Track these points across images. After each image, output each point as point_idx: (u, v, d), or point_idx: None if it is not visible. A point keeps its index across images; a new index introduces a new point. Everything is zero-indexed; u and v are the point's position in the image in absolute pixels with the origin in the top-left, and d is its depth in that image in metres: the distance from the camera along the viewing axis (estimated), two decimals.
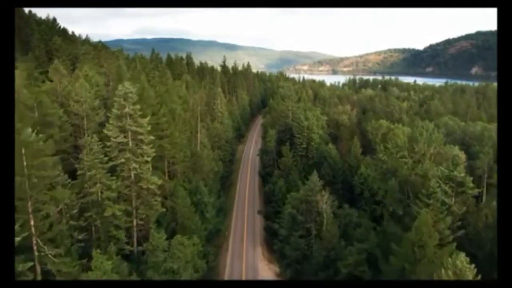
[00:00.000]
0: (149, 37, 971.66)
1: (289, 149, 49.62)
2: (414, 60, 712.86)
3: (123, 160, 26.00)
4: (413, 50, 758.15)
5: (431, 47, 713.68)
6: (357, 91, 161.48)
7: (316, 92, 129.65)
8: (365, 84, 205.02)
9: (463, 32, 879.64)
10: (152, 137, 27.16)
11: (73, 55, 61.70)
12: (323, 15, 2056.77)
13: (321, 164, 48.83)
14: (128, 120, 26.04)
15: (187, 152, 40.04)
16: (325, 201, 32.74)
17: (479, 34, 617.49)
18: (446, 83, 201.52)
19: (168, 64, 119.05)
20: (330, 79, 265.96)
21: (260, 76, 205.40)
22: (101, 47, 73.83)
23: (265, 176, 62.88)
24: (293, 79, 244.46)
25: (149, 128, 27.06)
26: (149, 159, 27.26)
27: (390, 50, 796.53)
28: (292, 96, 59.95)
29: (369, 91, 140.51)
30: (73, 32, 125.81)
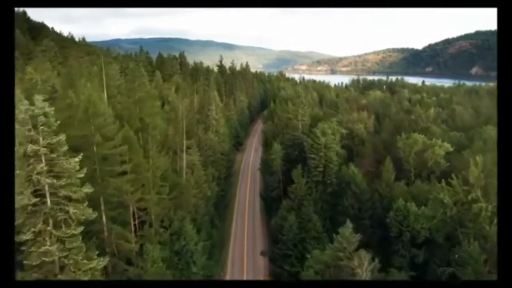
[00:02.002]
0: (147, 36, 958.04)
1: (301, 172, 38.60)
2: (413, 60, 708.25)
3: (31, 235, 14.96)
4: (412, 50, 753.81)
5: (430, 47, 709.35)
6: (362, 92, 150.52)
7: (321, 95, 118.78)
8: (369, 85, 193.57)
9: (462, 32, 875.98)
10: (88, 190, 16.18)
11: (35, 53, 50.55)
12: (322, 14, 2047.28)
13: (342, 192, 38.13)
14: (43, 163, 15.12)
15: (164, 187, 29.23)
16: (365, 269, 22.11)
17: (478, 33, 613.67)
18: (454, 83, 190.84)
19: (158, 64, 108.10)
20: (329, 79, 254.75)
21: (259, 77, 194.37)
22: (71, 43, 62.54)
23: (267, 199, 52.00)
24: (293, 79, 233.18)
25: (82, 174, 16.06)
26: (80, 229, 16.18)
27: (389, 50, 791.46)
28: (302, 104, 48.76)
29: (378, 93, 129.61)
30: (53, 28, 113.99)
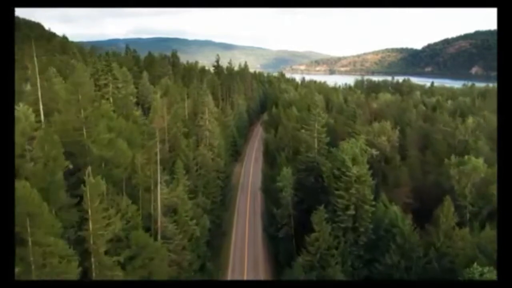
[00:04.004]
0: (144, 36, 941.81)
1: (324, 216, 27.29)
2: (412, 60, 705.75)
3: None
4: (411, 49, 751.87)
5: (429, 46, 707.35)
6: (368, 94, 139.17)
7: (327, 98, 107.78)
8: (374, 86, 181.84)
9: (461, 32, 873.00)
10: None
11: None
12: (320, 14, 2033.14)
13: (381, 243, 27.47)
14: None
15: (115, 267, 18.30)
16: None
17: (478, 33, 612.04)
18: (464, 84, 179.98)
19: (147, 64, 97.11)
20: (329, 80, 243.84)
21: (258, 77, 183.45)
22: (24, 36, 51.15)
23: (272, 237, 41.18)
24: (293, 80, 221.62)
25: None
26: None
27: (387, 50, 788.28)
28: (319, 116, 37.04)
29: (387, 96, 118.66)
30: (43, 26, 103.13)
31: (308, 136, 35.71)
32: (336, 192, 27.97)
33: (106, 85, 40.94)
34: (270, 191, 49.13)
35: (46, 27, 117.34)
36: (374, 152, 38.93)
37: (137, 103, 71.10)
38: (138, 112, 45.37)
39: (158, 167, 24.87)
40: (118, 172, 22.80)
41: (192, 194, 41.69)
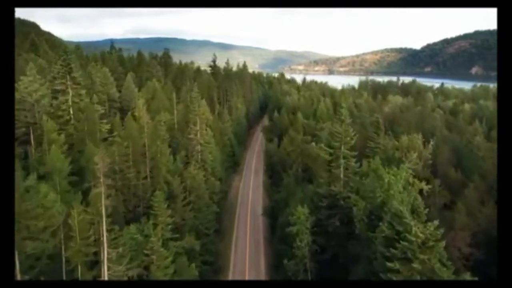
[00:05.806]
0: (142, 36, 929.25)
1: None
2: (412, 60, 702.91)
3: None
4: (411, 49, 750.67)
5: (428, 46, 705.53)
6: (375, 96, 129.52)
7: (333, 101, 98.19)
8: (380, 88, 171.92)
9: (461, 32, 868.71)
10: None
11: None
12: (320, 14, 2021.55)
13: None
14: None
15: None
16: None
17: (477, 33, 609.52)
18: (475, 85, 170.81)
19: (135, 65, 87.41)
20: (330, 80, 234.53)
21: (257, 78, 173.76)
22: None
23: None
24: (293, 80, 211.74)
25: None
26: None
27: (387, 50, 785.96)
28: (348, 135, 26.23)
29: (399, 99, 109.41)
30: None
31: (334, 164, 25.54)
32: (388, 265, 17.45)
33: (64, 92, 31.40)
34: (273, 219, 39.64)
35: (46, 27, 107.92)
36: (425, 186, 28.91)
37: (121, 109, 61.87)
38: (108, 126, 35.60)
39: (104, 230, 15.13)
40: (36, 245, 13.46)
41: (177, 234, 32.23)
